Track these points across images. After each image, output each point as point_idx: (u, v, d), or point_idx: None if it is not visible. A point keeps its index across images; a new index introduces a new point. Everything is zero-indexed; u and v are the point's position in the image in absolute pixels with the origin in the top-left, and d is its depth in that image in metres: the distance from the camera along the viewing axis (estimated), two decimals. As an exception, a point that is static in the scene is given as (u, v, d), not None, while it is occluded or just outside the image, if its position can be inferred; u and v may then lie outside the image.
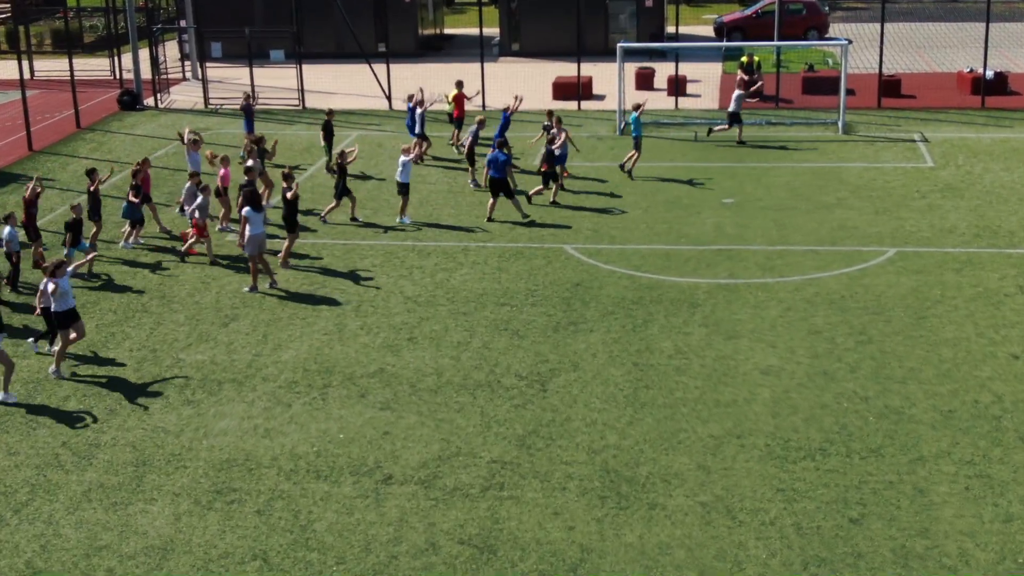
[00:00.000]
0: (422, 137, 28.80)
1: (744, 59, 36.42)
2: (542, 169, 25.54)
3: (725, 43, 41.48)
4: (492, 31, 46.24)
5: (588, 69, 37.57)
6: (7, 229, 21.00)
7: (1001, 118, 32.62)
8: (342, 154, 24.59)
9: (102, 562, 13.20)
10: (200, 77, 38.15)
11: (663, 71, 38.31)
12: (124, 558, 13.27)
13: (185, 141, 26.09)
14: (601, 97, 36.46)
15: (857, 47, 43.48)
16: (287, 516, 14.02)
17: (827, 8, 48.98)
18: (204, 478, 14.93)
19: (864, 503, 13.94)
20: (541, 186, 25.60)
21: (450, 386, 17.28)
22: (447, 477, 14.78)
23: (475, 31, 41.35)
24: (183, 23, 42.40)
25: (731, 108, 30.25)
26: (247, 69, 37.63)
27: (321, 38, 43.63)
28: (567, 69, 38.52)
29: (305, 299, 20.79)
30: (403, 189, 24.56)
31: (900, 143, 30.32)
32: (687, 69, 38.30)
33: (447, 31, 49.81)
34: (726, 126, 30.40)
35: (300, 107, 36.35)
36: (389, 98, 36.11)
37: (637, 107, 27.71)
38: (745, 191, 26.48)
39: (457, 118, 30.34)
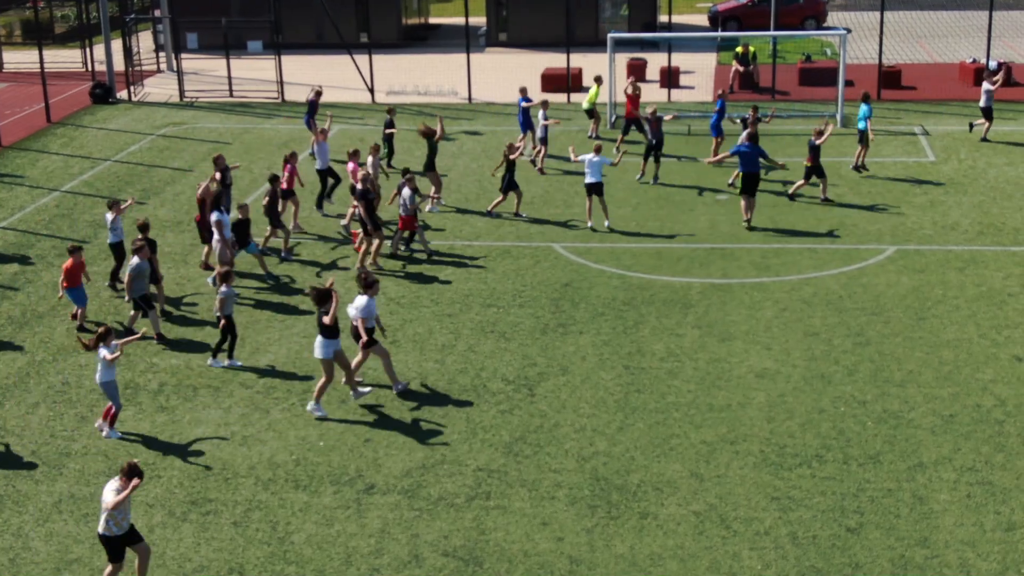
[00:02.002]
0: (543, 142, 27.38)
1: (739, 49, 36.08)
2: (806, 164, 24.70)
3: (720, 33, 41.07)
4: (479, 20, 45.81)
5: (578, 60, 37.18)
6: (108, 216, 20.40)
7: (1005, 110, 32.21)
8: (510, 147, 23.99)
9: (73, 576, 13.04)
10: (175, 69, 37.73)
11: (655, 62, 37.91)
12: (96, 572, 13.08)
13: (317, 133, 24.75)
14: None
15: (856, 36, 43.28)
16: (265, 528, 13.85)
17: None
18: (179, 488, 14.74)
19: (862, 511, 13.82)
20: (802, 180, 24.83)
21: (434, 391, 17.00)
22: (431, 486, 14.63)
23: (461, 20, 40.94)
24: (157, 13, 42.00)
25: (982, 103, 29.26)
26: (224, 60, 37.20)
27: (301, 28, 43.22)
28: (556, 60, 38.15)
29: (284, 301, 20.51)
30: (594, 190, 23.08)
31: (900, 136, 30.05)
32: (680, 60, 37.95)
33: (432, 20, 49.37)
34: (984, 122, 29.41)
35: (279, 100, 35.85)
36: (372, 91, 35.63)
37: (867, 97, 26.54)
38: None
39: (629, 117, 28.52)
